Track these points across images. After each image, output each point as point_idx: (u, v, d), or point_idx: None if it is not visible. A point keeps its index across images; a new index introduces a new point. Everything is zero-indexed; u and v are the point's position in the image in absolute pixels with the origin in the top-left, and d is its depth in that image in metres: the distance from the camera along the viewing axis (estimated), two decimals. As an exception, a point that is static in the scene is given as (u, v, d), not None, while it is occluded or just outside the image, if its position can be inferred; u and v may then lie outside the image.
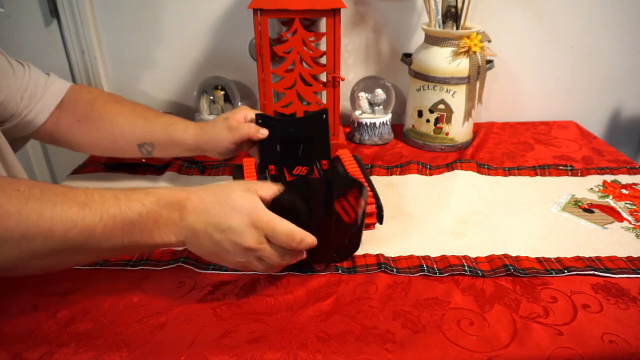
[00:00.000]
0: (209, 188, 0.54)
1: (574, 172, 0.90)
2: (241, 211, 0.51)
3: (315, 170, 0.73)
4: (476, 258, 0.66)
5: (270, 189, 0.55)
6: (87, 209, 0.48)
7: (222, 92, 1.04)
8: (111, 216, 0.49)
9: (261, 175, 0.73)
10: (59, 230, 0.47)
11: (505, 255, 0.66)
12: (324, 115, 0.74)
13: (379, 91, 1.03)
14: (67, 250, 0.48)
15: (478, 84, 0.96)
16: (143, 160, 0.89)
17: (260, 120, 0.73)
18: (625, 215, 0.76)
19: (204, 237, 0.52)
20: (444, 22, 0.98)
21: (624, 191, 0.83)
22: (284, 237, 0.52)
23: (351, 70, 1.13)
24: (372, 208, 0.65)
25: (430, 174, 0.90)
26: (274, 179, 0.70)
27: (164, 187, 0.55)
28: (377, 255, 0.66)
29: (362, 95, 1.04)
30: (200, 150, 0.76)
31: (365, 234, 0.71)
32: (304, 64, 0.91)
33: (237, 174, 0.72)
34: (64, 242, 0.47)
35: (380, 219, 0.66)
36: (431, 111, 0.98)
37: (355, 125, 1.05)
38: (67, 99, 0.75)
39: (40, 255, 0.47)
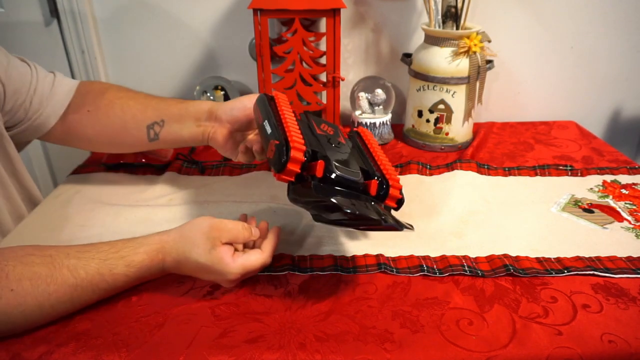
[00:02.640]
0: (179, 246, 0.57)
1: (573, 172, 0.89)
2: (212, 272, 0.57)
3: (341, 135, 0.67)
4: (476, 258, 0.65)
5: (234, 233, 0.58)
6: (79, 289, 0.54)
7: (222, 92, 1.04)
8: (102, 290, 0.56)
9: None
10: (60, 313, 0.54)
11: (505, 255, 0.66)
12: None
13: (379, 91, 1.03)
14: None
15: (478, 84, 0.96)
16: (143, 160, 0.89)
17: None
18: (625, 215, 0.75)
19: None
20: (444, 22, 0.98)
21: (623, 191, 0.83)
22: (259, 267, 0.59)
23: (351, 70, 1.13)
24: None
25: (430, 174, 0.90)
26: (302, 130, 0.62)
27: (142, 251, 0.57)
28: (377, 256, 0.66)
29: (362, 95, 1.04)
30: (210, 117, 0.72)
31: (365, 233, 0.71)
32: (304, 64, 0.91)
33: (264, 104, 0.65)
34: (63, 313, 0.55)
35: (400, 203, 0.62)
36: (431, 111, 0.98)
37: (355, 125, 1.05)
38: (76, 95, 0.75)
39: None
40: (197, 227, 0.57)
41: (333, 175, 0.56)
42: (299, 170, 0.55)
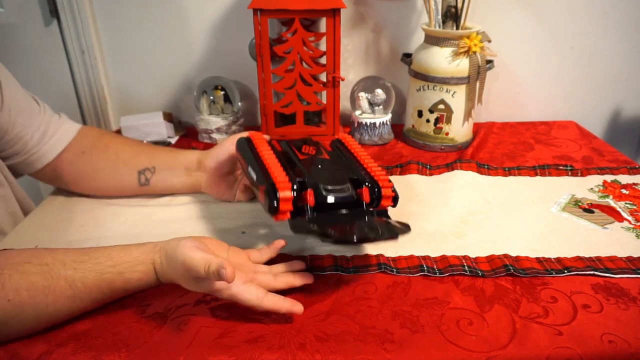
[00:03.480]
0: (165, 273, 0.56)
1: (574, 172, 0.89)
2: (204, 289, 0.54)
3: (323, 151, 0.69)
4: (476, 258, 0.65)
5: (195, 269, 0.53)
6: (78, 300, 0.54)
7: (222, 92, 1.04)
8: (100, 300, 0.56)
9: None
10: (58, 320, 0.54)
11: (505, 255, 0.65)
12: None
13: (379, 91, 1.03)
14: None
15: (478, 84, 0.96)
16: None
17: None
18: (625, 215, 0.75)
19: None
20: (444, 22, 0.98)
21: (624, 191, 0.83)
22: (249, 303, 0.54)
23: (351, 70, 1.13)
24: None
25: (430, 174, 0.90)
26: (284, 158, 0.65)
27: (139, 270, 0.56)
28: (377, 256, 0.66)
29: (362, 95, 1.04)
30: (200, 167, 0.76)
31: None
32: (304, 64, 0.91)
33: (244, 149, 0.67)
34: (61, 320, 0.55)
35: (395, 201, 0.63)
36: (431, 111, 0.98)
37: (355, 125, 1.05)
38: (76, 137, 0.77)
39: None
40: (177, 266, 0.54)
41: (326, 200, 0.58)
42: (292, 208, 0.57)
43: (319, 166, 0.64)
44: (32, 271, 0.52)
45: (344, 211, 0.59)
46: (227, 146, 0.73)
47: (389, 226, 0.61)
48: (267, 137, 0.70)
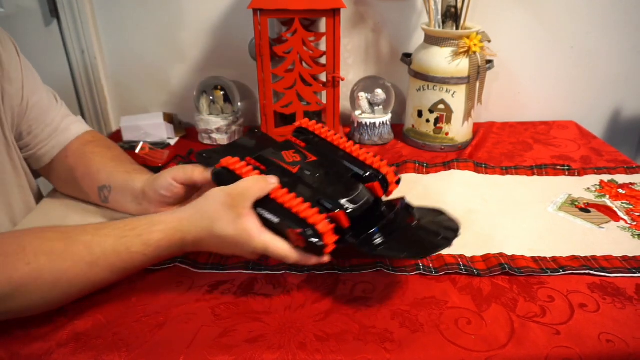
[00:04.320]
0: (199, 222, 0.55)
1: (571, 172, 0.90)
2: (237, 245, 0.55)
3: (305, 152, 0.65)
4: (472, 257, 0.66)
5: (251, 192, 0.55)
6: (95, 267, 0.53)
7: (222, 92, 1.05)
8: (120, 269, 0.55)
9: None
10: (76, 292, 0.55)
11: (501, 254, 0.66)
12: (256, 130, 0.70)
13: (379, 91, 1.03)
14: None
15: (478, 84, 0.96)
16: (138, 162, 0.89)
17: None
18: (621, 214, 0.76)
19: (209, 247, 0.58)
20: (443, 22, 0.98)
21: (620, 191, 0.83)
22: (278, 258, 0.56)
23: (351, 70, 1.14)
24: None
25: (427, 172, 0.90)
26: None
27: (158, 229, 0.55)
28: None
29: (362, 95, 1.04)
30: (145, 197, 0.69)
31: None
32: (304, 64, 0.92)
33: (224, 178, 0.60)
34: (79, 292, 0.55)
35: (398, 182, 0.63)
36: (431, 111, 0.98)
37: (355, 125, 1.05)
38: (75, 139, 0.77)
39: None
40: (214, 200, 0.55)
41: (354, 214, 0.56)
42: (337, 237, 0.54)
43: (317, 175, 0.61)
44: (52, 237, 0.52)
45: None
46: (167, 180, 0.66)
47: (435, 222, 0.60)
48: (233, 158, 0.61)
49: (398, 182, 0.63)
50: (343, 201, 0.57)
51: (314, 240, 0.52)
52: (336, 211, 0.55)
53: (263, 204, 0.56)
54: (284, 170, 0.61)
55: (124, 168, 0.74)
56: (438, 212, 0.63)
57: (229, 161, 0.60)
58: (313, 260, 0.55)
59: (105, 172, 0.73)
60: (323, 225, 0.53)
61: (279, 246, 0.55)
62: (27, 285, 0.50)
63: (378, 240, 0.56)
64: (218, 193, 0.56)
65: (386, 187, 0.62)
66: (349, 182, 0.60)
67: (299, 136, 0.69)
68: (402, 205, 0.61)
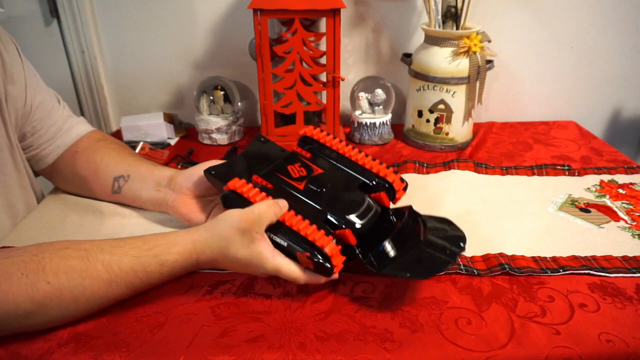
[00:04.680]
0: (213, 244, 0.57)
1: (571, 172, 0.90)
2: (250, 266, 0.57)
3: (312, 165, 0.65)
4: (472, 257, 0.66)
5: (264, 217, 0.56)
6: (114, 285, 0.54)
7: (222, 92, 1.05)
8: (136, 286, 0.56)
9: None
10: (95, 307, 0.55)
11: (501, 254, 0.66)
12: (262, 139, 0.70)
13: (379, 91, 1.03)
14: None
15: (478, 84, 0.96)
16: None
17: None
18: (621, 214, 0.76)
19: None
20: (444, 22, 0.98)
21: (620, 191, 0.83)
22: (290, 279, 0.57)
23: (351, 70, 1.14)
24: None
25: (427, 172, 0.90)
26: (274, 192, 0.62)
27: (175, 251, 0.57)
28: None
29: (362, 95, 1.04)
30: (170, 184, 0.71)
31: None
32: (304, 64, 0.92)
33: (233, 201, 0.60)
34: (98, 307, 0.56)
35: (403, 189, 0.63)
36: (431, 111, 0.98)
37: (355, 125, 1.05)
38: (82, 138, 0.78)
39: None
40: (229, 223, 0.56)
41: (362, 230, 0.57)
42: (345, 258, 0.55)
43: (324, 190, 0.61)
44: (72, 255, 0.53)
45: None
46: (203, 167, 0.68)
47: (442, 233, 0.60)
48: (240, 181, 0.62)
49: (405, 188, 0.64)
50: (351, 217, 0.58)
51: (323, 262, 0.54)
52: (343, 228, 0.56)
53: (273, 227, 0.57)
54: (291, 187, 0.62)
55: (145, 161, 0.77)
56: (444, 221, 0.64)
57: (236, 184, 0.61)
58: (322, 280, 0.58)
59: (126, 163, 0.75)
60: (330, 247, 0.54)
61: (291, 269, 0.56)
62: (48, 303, 0.51)
63: (388, 252, 0.57)
64: (234, 217, 0.56)
65: (393, 195, 0.62)
66: (356, 195, 0.61)
67: (304, 146, 0.70)
68: (410, 214, 0.61)
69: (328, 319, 0.56)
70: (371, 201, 0.60)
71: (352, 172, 0.65)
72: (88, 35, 1.07)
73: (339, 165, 0.66)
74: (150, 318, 0.56)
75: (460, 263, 0.64)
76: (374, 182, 0.62)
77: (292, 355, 0.51)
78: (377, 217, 0.59)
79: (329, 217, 0.58)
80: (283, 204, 0.59)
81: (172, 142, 1.06)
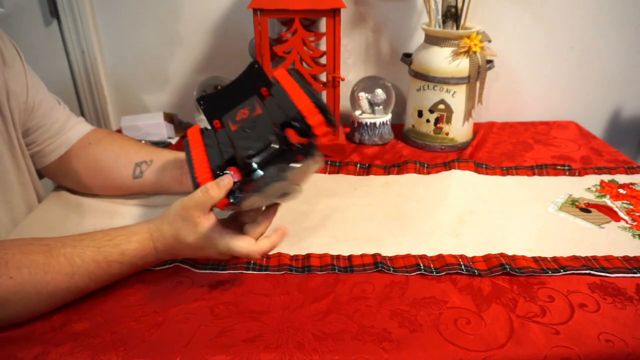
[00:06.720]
0: (166, 232, 0.59)
1: (571, 172, 0.89)
2: (204, 248, 0.59)
3: (257, 105, 0.64)
4: (473, 257, 0.66)
5: (200, 202, 0.57)
6: (76, 276, 0.55)
7: (222, 92, 1.04)
8: (98, 277, 0.57)
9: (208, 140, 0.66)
10: (59, 301, 0.56)
11: (502, 255, 0.66)
12: (256, 65, 0.68)
13: (379, 91, 1.03)
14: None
15: (478, 84, 0.96)
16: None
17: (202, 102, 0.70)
18: (622, 214, 0.76)
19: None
20: (444, 22, 0.98)
21: (621, 191, 0.83)
22: (244, 255, 0.59)
23: (351, 70, 1.14)
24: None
25: (428, 172, 0.90)
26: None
27: (135, 240, 0.59)
28: (374, 255, 0.66)
29: (362, 95, 1.04)
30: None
31: (362, 232, 0.71)
32: (304, 64, 0.92)
33: (186, 150, 0.67)
34: (62, 301, 0.57)
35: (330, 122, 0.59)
36: (431, 111, 0.98)
37: (355, 125, 1.05)
38: (88, 134, 0.79)
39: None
40: (174, 211, 0.59)
41: (252, 166, 0.57)
42: (227, 200, 0.57)
43: (247, 130, 0.61)
44: (34, 250, 0.54)
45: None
46: None
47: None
48: (195, 131, 0.68)
49: (331, 123, 0.58)
50: (242, 153, 0.57)
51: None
52: (230, 167, 0.58)
53: (189, 166, 0.62)
54: (227, 130, 0.64)
55: (165, 150, 0.80)
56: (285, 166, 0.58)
57: (192, 134, 0.67)
58: (270, 249, 0.59)
59: (146, 149, 0.79)
60: (205, 182, 0.58)
61: (240, 245, 0.57)
62: (10, 298, 0.52)
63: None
64: (177, 205, 0.59)
65: (307, 132, 0.57)
66: (263, 131, 0.59)
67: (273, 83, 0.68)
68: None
69: (326, 318, 0.56)
70: (269, 139, 0.57)
71: (283, 110, 0.61)
72: (88, 35, 1.07)
73: (279, 101, 0.63)
74: (148, 317, 0.56)
75: (462, 263, 0.64)
76: (292, 121, 0.59)
77: (290, 355, 0.51)
78: (272, 153, 0.57)
79: (228, 155, 0.59)
80: (225, 180, 0.57)
81: (173, 141, 1.06)
